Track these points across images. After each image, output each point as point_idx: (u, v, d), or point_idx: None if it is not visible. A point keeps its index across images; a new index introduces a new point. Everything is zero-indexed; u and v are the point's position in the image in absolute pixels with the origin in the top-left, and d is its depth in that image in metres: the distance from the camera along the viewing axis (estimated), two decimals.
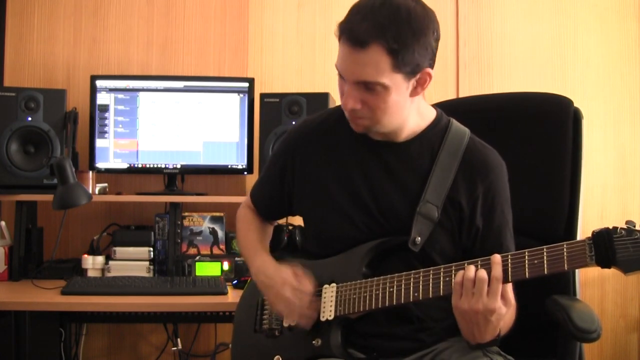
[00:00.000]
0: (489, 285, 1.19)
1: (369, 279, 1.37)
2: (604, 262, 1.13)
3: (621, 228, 1.13)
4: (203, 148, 2.51)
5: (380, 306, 1.34)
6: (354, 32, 1.27)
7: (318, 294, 1.43)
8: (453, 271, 1.27)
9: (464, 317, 1.24)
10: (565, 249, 1.17)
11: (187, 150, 2.51)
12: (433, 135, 1.44)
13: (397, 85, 1.30)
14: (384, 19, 1.25)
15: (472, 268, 1.22)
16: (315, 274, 1.45)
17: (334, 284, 1.42)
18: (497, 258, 1.21)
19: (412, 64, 1.28)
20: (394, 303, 1.32)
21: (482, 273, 1.20)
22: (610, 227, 1.13)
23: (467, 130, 1.46)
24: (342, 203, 1.44)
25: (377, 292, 1.34)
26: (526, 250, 1.21)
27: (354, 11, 1.31)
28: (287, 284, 1.41)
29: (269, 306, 1.51)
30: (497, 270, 1.20)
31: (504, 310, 1.21)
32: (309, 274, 1.43)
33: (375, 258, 1.41)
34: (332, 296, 1.41)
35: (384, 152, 1.43)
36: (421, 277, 1.30)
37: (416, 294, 1.30)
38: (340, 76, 1.35)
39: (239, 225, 1.69)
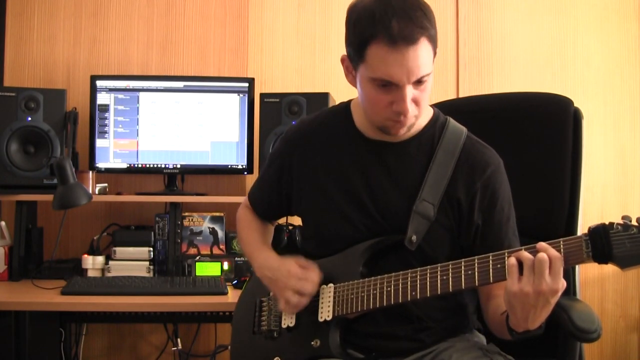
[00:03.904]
0: (550, 266, 1.15)
1: (367, 279, 1.37)
2: (601, 258, 1.13)
3: (617, 223, 1.12)
4: (204, 148, 2.51)
5: (378, 306, 1.33)
6: (403, 32, 1.23)
7: (316, 294, 1.43)
8: (450, 269, 1.26)
9: (524, 301, 1.17)
10: (562, 246, 1.16)
11: (188, 150, 2.51)
12: (431, 133, 1.44)
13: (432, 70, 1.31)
14: (416, 10, 1.25)
15: (525, 252, 1.17)
16: None
17: (331, 285, 1.42)
18: (543, 244, 1.16)
19: (436, 43, 1.30)
20: (392, 302, 1.32)
21: (543, 255, 1.15)
22: (607, 222, 1.13)
23: (464, 129, 1.46)
24: (339, 203, 1.44)
25: (375, 291, 1.34)
26: (523, 247, 1.21)
27: (384, 15, 1.24)
28: (292, 276, 1.41)
29: (268, 305, 1.51)
30: (554, 251, 1.15)
31: (560, 293, 1.17)
32: (313, 263, 1.43)
33: (373, 257, 1.41)
34: (329, 296, 1.41)
35: (383, 151, 1.43)
36: (418, 276, 1.30)
37: (414, 293, 1.30)
38: (384, 86, 1.28)
39: (240, 224, 1.69)
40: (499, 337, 1.37)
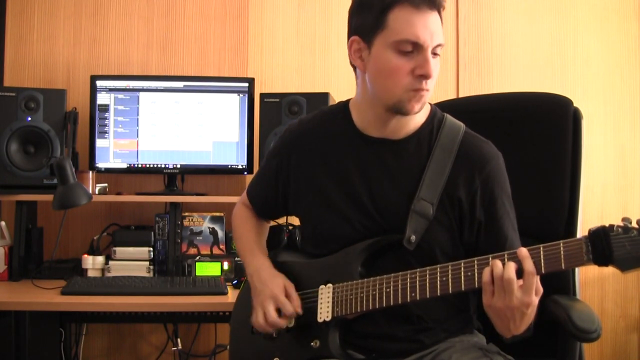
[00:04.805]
0: (522, 281, 1.17)
1: (365, 279, 1.36)
2: (601, 260, 1.13)
3: (617, 226, 1.12)
4: (204, 148, 2.51)
5: (377, 307, 1.33)
6: None
7: (314, 294, 1.43)
8: (450, 270, 1.26)
9: (499, 314, 1.22)
10: (562, 248, 1.16)
11: (188, 150, 2.51)
12: (429, 130, 1.43)
13: None
14: None
15: (499, 265, 1.19)
16: (311, 274, 1.45)
17: (330, 285, 1.41)
18: (524, 252, 1.19)
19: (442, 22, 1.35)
20: (391, 303, 1.32)
21: (510, 273, 1.17)
22: (607, 224, 1.13)
23: (461, 125, 1.45)
24: (338, 202, 1.44)
25: (374, 292, 1.34)
26: (505, 253, 1.21)
27: None
28: (273, 300, 1.42)
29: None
30: (529, 265, 1.17)
31: (537, 301, 1.20)
32: (298, 298, 1.43)
33: (371, 257, 1.40)
34: (328, 297, 1.40)
35: (382, 150, 1.42)
36: (418, 277, 1.30)
37: (413, 294, 1.29)
38: (405, 53, 1.29)
39: (236, 223, 1.69)
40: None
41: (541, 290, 1.21)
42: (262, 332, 1.45)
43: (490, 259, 1.23)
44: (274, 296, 1.42)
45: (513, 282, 1.17)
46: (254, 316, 1.45)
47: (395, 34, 1.29)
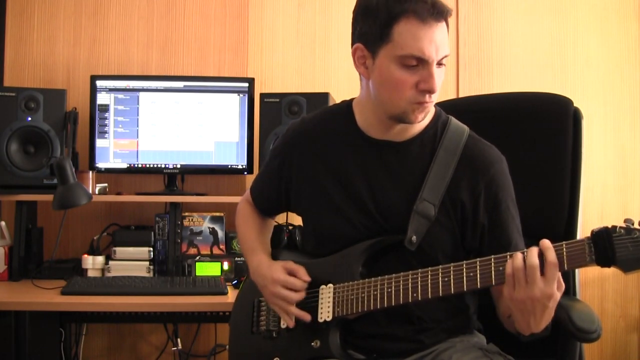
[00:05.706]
0: (544, 271, 1.15)
1: (367, 280, 1.36)
2: (604, 261, 1.13)
3: (620, 227, 1.12)
4: (204, 148, 2.51)
5: (378, 307, 1.33)
6: (433, 9, 1.26)
7: (315, 294, 1.43)
8: (452, 271, 1.26)
9: (520, 306, 1.19)
10: (564, 249, 1.16)
11: (188, 150, 2.51)
12: (432, 132, 1.43)
13: None
14: None
15: (519, 256, 1.18)
16: (312, 274, 1.45)
17: (330, 285, 1.41)
18: (547, 243, 1.17)
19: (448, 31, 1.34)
20: (393, 304, 1.32)
21: (534, 260, 1.16)
22: (609, 226, 1.13)
23: (466, 128, 1.45)
24: (339, 201, 1.44)
25: (375, 292, 1.34)
26: (526, 249, 1.21)
27: None
28: (277, 283, 1.42)
29: (267, 305, 1.51)
30: (552, 255, 1.15)
31: (559, 295, 1.18)
32: (302, 267, 1.43)
33: (372, 257, 1.40)
34: (329, 297, 1.40)
35: (384, 151, 1.42)
36: (419, 278, 1.29)
37: (415, 295, 1.29)
38: (410, 66, 1.28)
39: (238, 220, 1.69)
40: (512, 333, 1.36)
41: (563, 286, 1.18)
42: (291, 325, 1.43)
43: (492, 259, 1.22)
44: (276, 280, 1.42)
45: (536, 269, 1.15)
46: (276, 310, 1.45)
47: (400, 49, 1.27)
